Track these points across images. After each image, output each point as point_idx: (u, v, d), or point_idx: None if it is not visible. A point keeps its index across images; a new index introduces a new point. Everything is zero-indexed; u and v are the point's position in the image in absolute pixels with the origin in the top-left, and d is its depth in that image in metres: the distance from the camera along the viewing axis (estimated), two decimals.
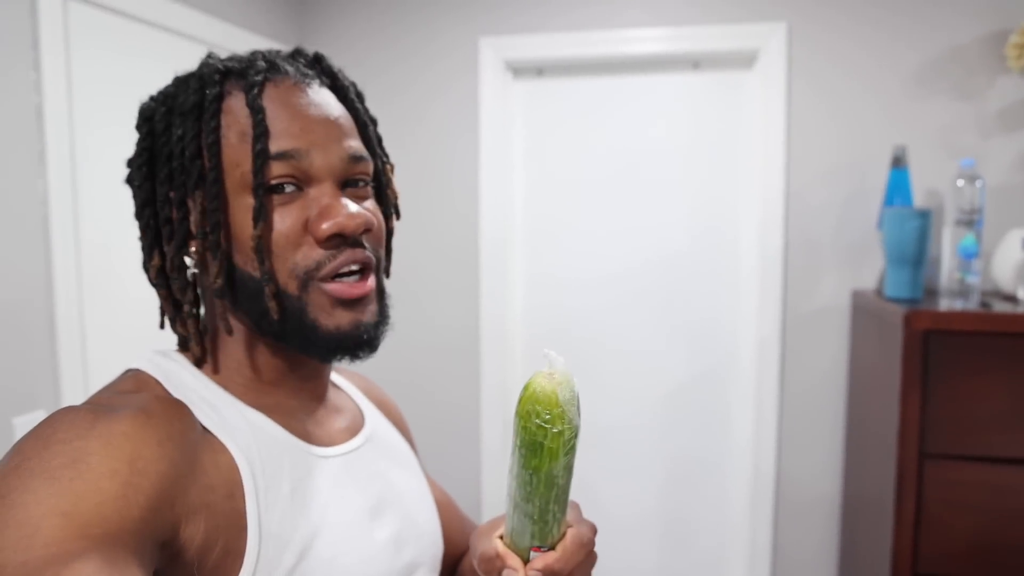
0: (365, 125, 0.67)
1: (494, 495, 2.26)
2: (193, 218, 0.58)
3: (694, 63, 2.08)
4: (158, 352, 0.62)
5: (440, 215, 2.25)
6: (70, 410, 0.50)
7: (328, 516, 0.60)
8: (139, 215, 0.61)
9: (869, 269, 1.95)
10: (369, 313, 0.62)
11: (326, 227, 0.58)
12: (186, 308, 0.62)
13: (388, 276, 0.71)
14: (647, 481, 2.21)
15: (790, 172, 1.98)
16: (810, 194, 1.98)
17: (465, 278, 2.25)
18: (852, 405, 1.95)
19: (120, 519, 0.45)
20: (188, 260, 0.60)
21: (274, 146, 0.57)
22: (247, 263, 0.58)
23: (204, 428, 0.56)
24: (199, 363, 0.63)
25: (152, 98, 0.63)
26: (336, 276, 0.59)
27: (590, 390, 2.23)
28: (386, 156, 0.71)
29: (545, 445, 0.50)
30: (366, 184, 0.64)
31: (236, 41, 1.98)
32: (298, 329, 0.59)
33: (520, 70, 2.21)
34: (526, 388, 0.52)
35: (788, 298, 2.02)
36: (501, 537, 0.56)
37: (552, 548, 0.54)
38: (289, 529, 0.56)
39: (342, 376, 0.82)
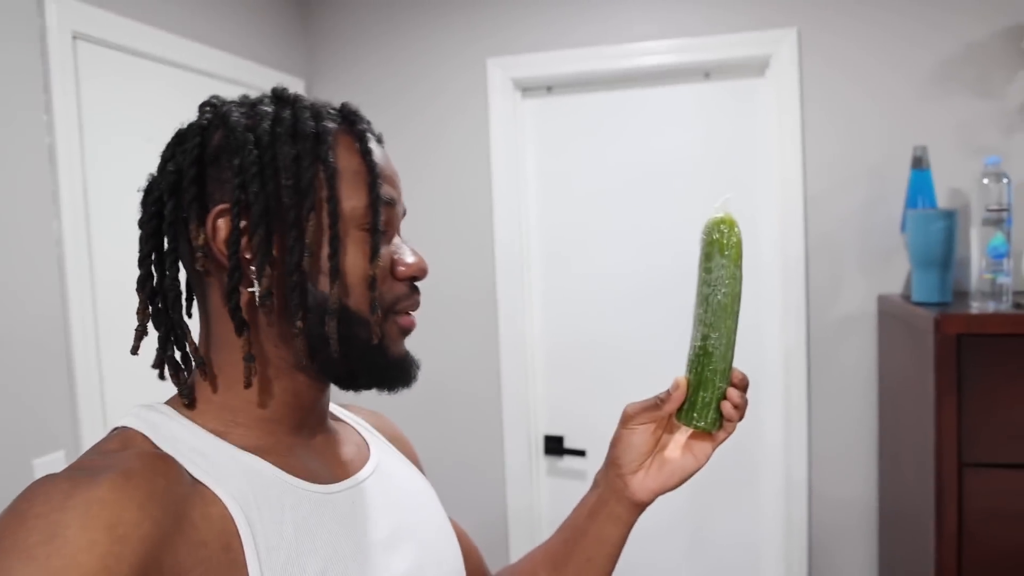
0: None
1: (520, 514, 2.22)
2: (307, 241, 0.59)
3: (705, 73, 2.06)
4: (144, 406, 0.61)
5: (455, 237, 2.24)
6: (48, 480, 0.49)
7: (338, 554, 0.59)
8: (256, 225, 0.58)
9: (895, 273, 1.90)
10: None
11: (408, 269, 0.65)
12: (299, 326, 0.59)
13: None
14: (677, 497, 2.16)
15: (807, 178, 1.95)
16: (830, 199, 1.94)
17: (483, 297, 2.23)
18: (884, 414, 1.90)
19: None
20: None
21: (385, 193, 0.63)
22: (346, 293, 0.61)
23: (194, 479, 0.54)
24: (191, 408, 0.61)
25: (235, 111, 0.61)
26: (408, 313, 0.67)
27: (613, 403, 2.18)
28: None
29: (723, 242, 0.72)
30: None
31: (243, 72, 1.99)
32: (376, 357, 0.63)
33: (529, 88, 2.21)
34: (708, 220, 0.73)
35: (812, 306, 1.98)
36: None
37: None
38: (297, 571, 0.55)
39: (351, 412, 0.81)
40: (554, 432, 2.26)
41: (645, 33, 2.04)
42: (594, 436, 2.22)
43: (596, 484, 0.79)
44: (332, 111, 0.65)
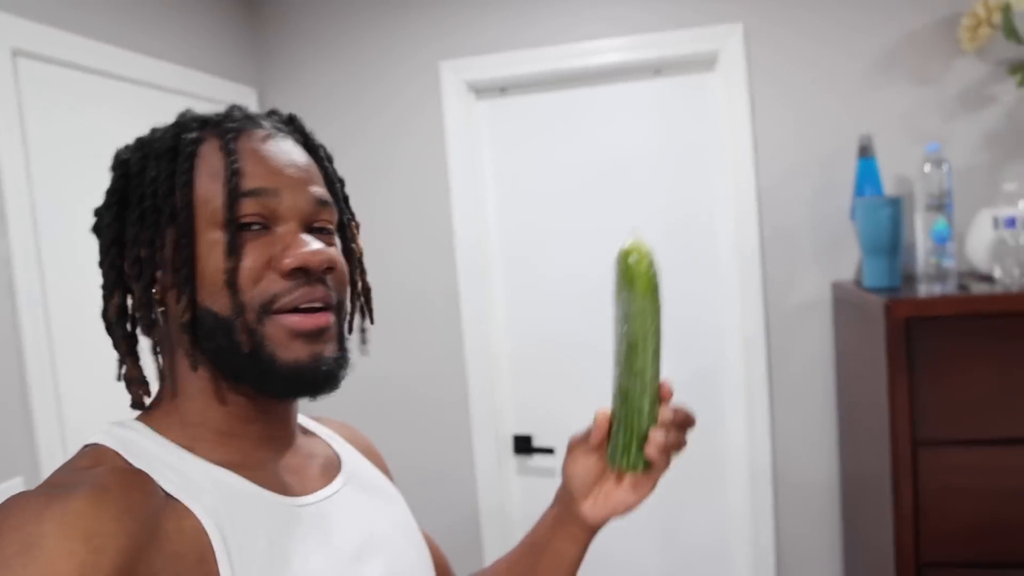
0: (332, 182, 0.70)
1: (491, 513, 2.23)
2: (165, 254, 0.59)
3: (656, 69, 2.09)
4: (115, 423, 0.61)
5: (416, 241, 2.24)
6: (22, 496, 0.49)
7: (311, 566, 0.59)
8: (105, 253, 0.62)
9: (847, 260, 1.95)
10: (329, 348, 0.62)
11: (289, 260, 0.59)
12: (153, 346, 0.62)
13: (351, 331, 0.72)
14: None
15: (759, 169, 1.99)
16: (781, 190, 1.98)
17: (446, 300, 2.23)
18: (842, 397, 1.95)
19: None
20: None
21: (245, 184, 0.59)
22: (210, 298, 0.58)
23: (167, 494, 0.54)
24: (159, 423, 0.62)
25: (128, 145, 0.65)
26: (295, 310, 0.60)
27: (580, 401, 2.21)
28: (352, 214, 0.74)
29: (632, 274, 0.66)
30: (330, 234, 0.66)
31: (194, 84, 1.96)
32: (256, 363, 0.59)
33: (483, 90, 2.21)
34: (619, 250, 0.69)
35: (769, 295, 2.02)
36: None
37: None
38: None
39: (321, 424, 0.81)
40: (522, 431, 2.27)
41: (596, 31, 2.06)
42: (562, 434, 2.24)
43: (555, 501, 0.78)
44: (204, 120, 0.64)
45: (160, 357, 0.65)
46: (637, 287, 0.66)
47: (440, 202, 2.21)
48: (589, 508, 0.74)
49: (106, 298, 0.62)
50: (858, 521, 1.82)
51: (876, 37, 1.89)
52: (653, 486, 0.73)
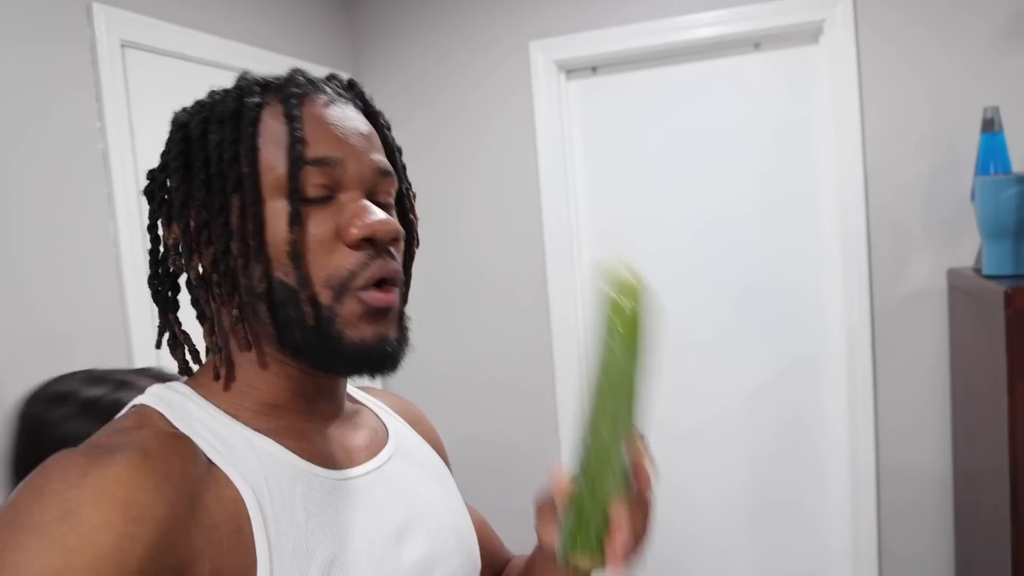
0: (392, 150, 0.67)
1: None
2: (233, 222, 0.58)
3: (755, 43, 1.98)
4: (163, 385, 0.61)
5: (504, 223, 2.23)
6: (65, 456, 0.49)
7: (348, 541, 0.58)
8: (178, 217, 0.60)
9: (967, 246, 1.79)
10: (392, 329, 0.61)
11: (356, 230, 0.57)
12: (235, 313, 0.59)
13: (406, 302, 0.69)
14: (739, 481, 2.11)
15: (867, 147, 1.85)
16: (892, 170, 1.84)
17: (533, 282, 2.21)
18: (956, 394, 1.79)
19: (116, 572, 0.44)
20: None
21: (310, 153, 0.57)
22: (279, 269, 0.57)
23: (209, 461, 0.54)
24: (207, 389, 0.61)
25: (186, 109, 0.63)
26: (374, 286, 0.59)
27: (672, 390, 2.15)
28: (409, 183, 0.71)
29: (614, 315, 0.51)
30: (391, 204, 0.64)
31: None
32: (322, 340, 0.58)
33: (573, 70, 2.17)
34: (608, 273, 0.53)
35: (876, 282, 1.88)
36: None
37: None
38: (304, 559, 0.54)
39: (371, 395, 0.79)
40: None
41: (690, 5, 1.98)
42: (650, 420, 2.18)
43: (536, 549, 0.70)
44: (265, 83, 0.62)
45: (209, 324, 0.62)
46: (619, 334, 0.51)
47: (529, 185, 2.19)
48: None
49: (175, 263, 0.61)
50: (973, 526, 1.68)
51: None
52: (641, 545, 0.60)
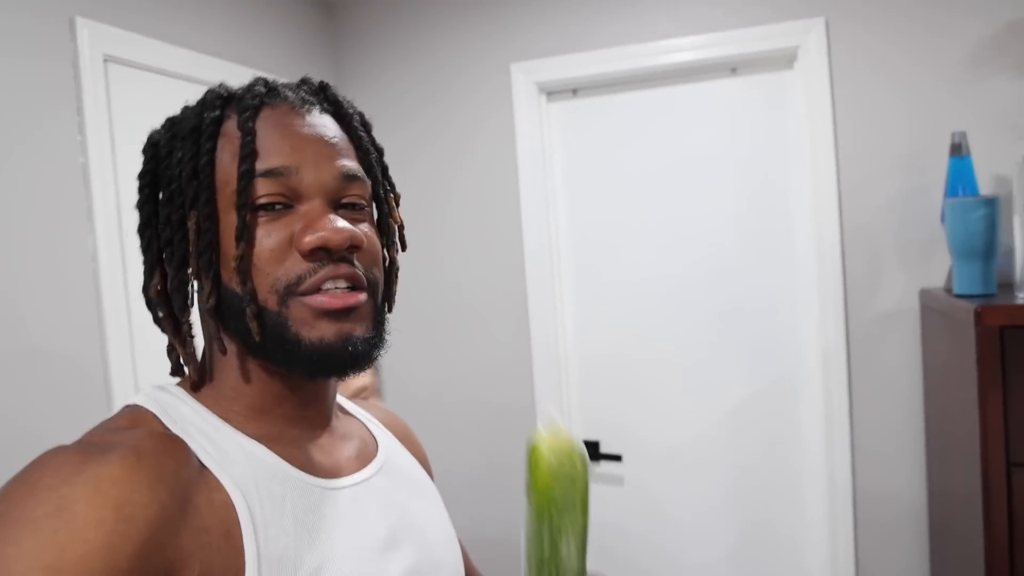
0: (368, 152, 0.66)
1: None
2: (190, 238, 0.58)
3: (732, 68, 2.02)
4: (157, 386, 0.62)
5: (484, 244, 2.24)
6: (59, 452, 0.49)
7: (335, 551, 0.58)
8: (141, 235, 0.62)
9: (937, 267, 1.83)
10: (360, 328, 0.60)
11: (309, 239, 0.57)
12: (185, 328, 0.62)
13: (391, 308, 0.69)
14: (718, 500, 2.11)
15: (841, 170, 1.89)
16: (865, 192, 1.88)
17: (514, 304, 2.22)
18: (930, 413, 1.82)
19: (106, 570, 0.44)
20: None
21: (262, 164, 0.58)
22: (231, 281, 0.58)
23: (201, 464, 0.54)
24: (198, 392, 0.62)
25: (161, 125, 0.65)
26: (320, 290, 0.59)
27: (650, 410, 2.16)
28: (391, 185, 0.70)
29: (529, 479, 0.52)
30: (362, 208, 0.63)
31: None
32: (280, 344, 0.58)
33: (554, 92, 2.20)
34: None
35: (851, 302, 1.91)
36: None
37: None
38: (291, 566, 0.54)
39: (362, 407, 0.80)
40: (590, 437, 2.23)
41: (669, 30, 2.02)
42: (630, 441, 2.19)
43: None
44: (228, 95, 0.63)
45: (181, 338, 0.64)
46: (532, 501, 0.53)
47: (509, 205, 2.21)
48: None
49: (147, 275, 0.63)
50: (948, 543, 1.70)
51: (972, 29, 1.77)
52: None
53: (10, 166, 1.36)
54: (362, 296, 0.60)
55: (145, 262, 0.62)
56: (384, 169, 0.70)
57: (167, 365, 0.66)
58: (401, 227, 0.71)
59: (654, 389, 2.15)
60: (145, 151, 0.64)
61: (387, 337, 0.64)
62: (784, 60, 1.96)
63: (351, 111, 0.67)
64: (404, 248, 0.71)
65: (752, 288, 2.04)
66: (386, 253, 0.68)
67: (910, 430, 1.89)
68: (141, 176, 0.63)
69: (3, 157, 1.35)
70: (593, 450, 2.21)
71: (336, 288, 0.58)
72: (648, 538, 2.18)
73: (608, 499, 2.21)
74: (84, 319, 1.48)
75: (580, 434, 2.24)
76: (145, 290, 0.64)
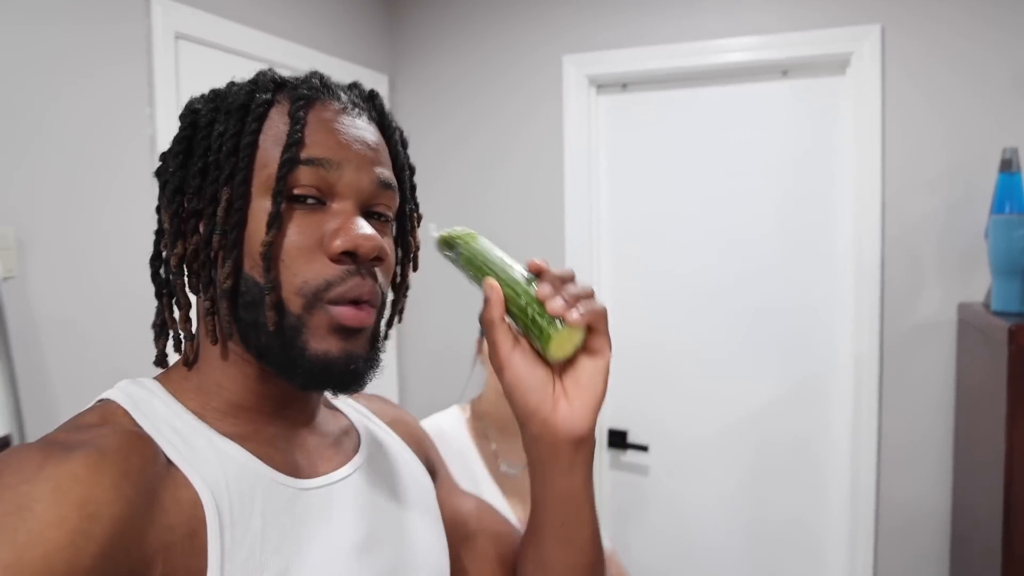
0: (402, 168, 0.66)
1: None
2: (219, 214, 0.56)
3: (783, 71, 2.02)
4: (131, 381, 0.59)
5: (525, 235, 2.29)
6: (20, 450, 0.48)
7: (304, 555, 0.56)
8: (170, 201, 0.59)
9: (979, 282, 1.82)
10: (361, 346, 0.59)
11: (340, 243, 0.56)
12: (206, 305, 0.59)
13: (400, 320, 0.70)
14: (741, 497, 2.14)
15: (886, 179, 1.89)
16: (909, 203, 1.87)
17: None
18: (960, 426, 1.82)
19: (69, 569, 0.42)
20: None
21: (305, 154, 0.56)
22: (253, 268, 0.56)
23: (169, 461, 0.53)
24: (176, 385, 0.60)
25: (202, 95, 0.63)
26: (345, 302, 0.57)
27: (679, 402, 2.20)
28: (416, 205, 0.71)
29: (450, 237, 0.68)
30: (387, 221, 0.63)
31: (330, 68, 2.09)
32: (284, 348, 0.56)
33: (604, 85, 2.22)
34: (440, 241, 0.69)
35: (887, 309, 1.92)
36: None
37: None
38: (256, 568, 0.53)
39: (357, 400, 0.77)
40: (619, 426, 2.27)
41: (722, 30, 2.03)
42: (657, 431, 2.23)
43: (529, 458, 0.64)
44: (281, 81, 0.61)
45: (184, 312, 0.62)
46: (461, 242, 0.67)
47: (554, 193, 2.24)
48: (565, 415, 0.60)
49: (166, 246, 0.60)
50: (967, 560, 1.71)
51: None
52: (606, 337, 0.62)
53: (82, 129, 1.45)
54: (373, 314, 0.60)
55: (171, 230, 0.59)
56: (413, 188, 0.70)
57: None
58: (417, 248, 0.71)
59: (685, 382, 2.18)
60: (183, 117, 0.61)
61: (381, 357, 0.62)
62: (836, 66, 1.96)
63: (394, 125, 0.67)
64: (416, 268, 0.72)
65: (788, 289, 2.06)
66: (399, 270, 0.69)
67: (938, 441, 1.89)
68: (177, 142, 0.60)
69: (79, 122, 1.44)
70: (620, 439, 2.26)
71: (360, 301, 0.58)
72: (669, 529, 2.22)
73: (632, 488, 2.26)
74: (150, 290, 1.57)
75: (610, 422, 2.29)
76: (155, 260, 0.62)
